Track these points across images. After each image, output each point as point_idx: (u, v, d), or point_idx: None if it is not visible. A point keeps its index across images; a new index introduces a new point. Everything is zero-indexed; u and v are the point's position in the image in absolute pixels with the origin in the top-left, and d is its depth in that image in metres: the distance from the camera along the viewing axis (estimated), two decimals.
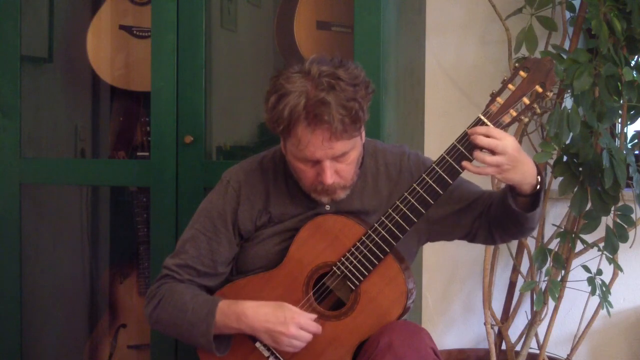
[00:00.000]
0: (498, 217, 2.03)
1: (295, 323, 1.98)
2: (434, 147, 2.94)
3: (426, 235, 2.15)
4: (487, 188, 2.23)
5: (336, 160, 1.97)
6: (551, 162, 2.78)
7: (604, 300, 2.77)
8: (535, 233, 2.82)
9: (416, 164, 2.13)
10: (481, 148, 1.87)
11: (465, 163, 1.89)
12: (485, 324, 2.92)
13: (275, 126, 1.94)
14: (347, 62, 1.97)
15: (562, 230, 2.83)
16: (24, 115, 2.79)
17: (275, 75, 1.97)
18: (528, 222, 1.99)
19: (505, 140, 1.86)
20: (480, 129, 1.88)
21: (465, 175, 2.08)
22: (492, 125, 1.89)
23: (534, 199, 1.96)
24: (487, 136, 1.87)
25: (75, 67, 3.12)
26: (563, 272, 2.84)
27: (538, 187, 1.94)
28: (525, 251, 2.91)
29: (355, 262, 1.99)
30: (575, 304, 2.96)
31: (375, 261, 1.98)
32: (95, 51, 2.96)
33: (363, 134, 2.04)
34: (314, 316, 2.01)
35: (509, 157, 1.86)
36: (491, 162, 1.86)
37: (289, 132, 1.94)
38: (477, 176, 1.93)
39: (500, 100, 1.90)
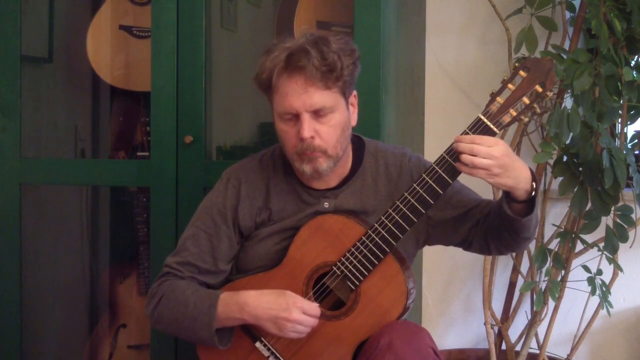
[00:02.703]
0: (494, 226, 2.02)
1: (298, 307, 1.98)
2: (434, 147, 2.94)
3: (424, 238, 2.15)
4: (488, 195, 2.23)
5: (317, 120, 1.97)
6: (551, 162, 2.78)
7: (604, 300, 2.77)
8: (535, 233, 2.82)
9: (417, 166, 2.13)
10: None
11: (458, 164, 1.89)
12: (485, 324, 2.92)
13: (260, 80, 2.00)
14: (340, 36, 2.03)
15: (562, 230, 2.83)
16: (24, 115, 2.79)
17: None
18: (523, 230, 1.98)
19: (494, 146, 1.85)
20: (464, 137, 1.88)
21: (467, 182, 2.09)
22: (491, 125, 1.89)
23: (529, 205, 1.95)
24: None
25: (75, 67, 3.12)
26: (563, 272, 2.84)
27: (533, 193, 1.93)
28: (525, 251, 2.91)
29: (355, 262, 1.99)
30: (575, 304, 2.96)
31: (375, 261, 1.98)
32: (95, 51, 2.96)
33: (353, 106, 2.06)
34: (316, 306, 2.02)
35: (498, 162, 1.85)
36: (479, 165, 1.85)
37: (270, 84, 1.98)
38: (479, 184, 1.93)
39: (500, 100, 1.90)
